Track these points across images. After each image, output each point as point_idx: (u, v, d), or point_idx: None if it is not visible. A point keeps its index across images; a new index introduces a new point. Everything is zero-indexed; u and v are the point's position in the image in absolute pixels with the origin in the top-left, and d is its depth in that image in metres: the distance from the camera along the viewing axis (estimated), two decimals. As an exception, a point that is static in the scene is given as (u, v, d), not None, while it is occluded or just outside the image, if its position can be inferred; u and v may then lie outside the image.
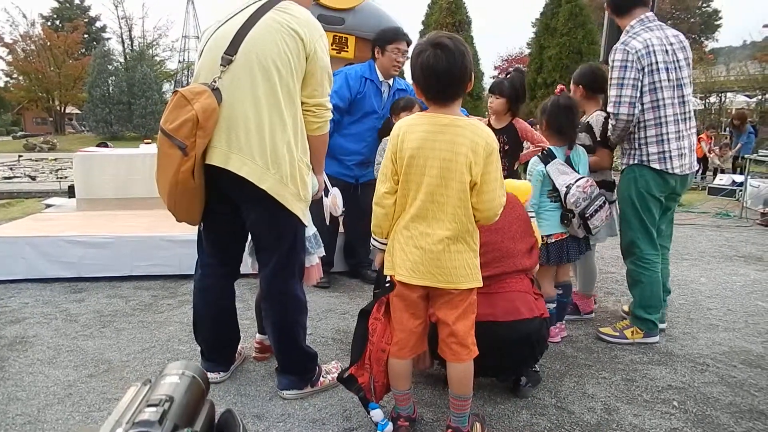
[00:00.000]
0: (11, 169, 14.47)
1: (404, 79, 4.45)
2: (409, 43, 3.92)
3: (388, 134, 3.65)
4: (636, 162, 2.97)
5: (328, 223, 2.89)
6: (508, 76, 3.55)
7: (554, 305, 2.97)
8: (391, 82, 4.01)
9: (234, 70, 2.15)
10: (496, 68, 29.02)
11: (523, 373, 2.48)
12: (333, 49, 4.41)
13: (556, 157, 2.94)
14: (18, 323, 3.25)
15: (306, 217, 2.34)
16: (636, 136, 2.95)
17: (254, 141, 2.14)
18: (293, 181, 2.22)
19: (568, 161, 2.97)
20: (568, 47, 14.97)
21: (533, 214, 2.76)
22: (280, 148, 2.17)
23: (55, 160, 17.12)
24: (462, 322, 1.98)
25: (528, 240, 2.48)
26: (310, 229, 2.46)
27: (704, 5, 36.59)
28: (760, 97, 22.19)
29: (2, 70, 36.14)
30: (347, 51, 4.47)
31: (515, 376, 2.47)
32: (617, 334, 3.11)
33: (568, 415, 2.32)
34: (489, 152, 1.89)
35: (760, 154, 9.65)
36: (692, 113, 2.97)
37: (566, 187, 2.85)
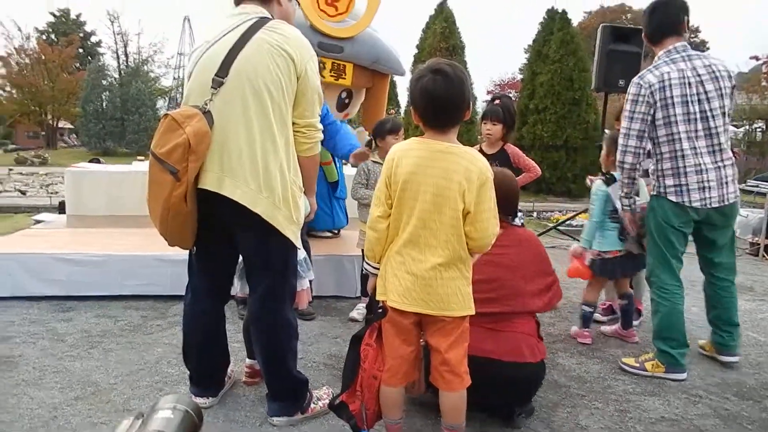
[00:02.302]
0: (1, 183, 14.35)
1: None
2: None
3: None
4: (655, 193, 3.04)
5: None
6: (497, 102, 3.62)
7: (590, 309, 3.47)
8: None
9: (225, 93, 2.13)
10: (488, 93, 29.32)
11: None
12: (331, 75, 4.48)
13: (616, 181, 3.24)
14: (3, 342, 3.19)
15: (298, 241, 2.33)
16: (655, 168, 3.03)
17: (247, 164, 2.13)
18: (286, 203, 2.21)
19: None
20: (560, 74, 15.17)
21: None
22: (272, 171, 2.16)
23: (47, 174, 17.01)
24: (454, 350, 1.97)
25: (543, 280, 2.48)
26: (301, 253, 2.45)
27: (692, 36, 37.35)
28: (747, 127, 22.54)
29: (-5, 83, 35.95)
30: (345, 78, 4.54)
31: (506, 410, 2.44)
32: (638, 365, 3.07)
33: (560, 446, 2.30)
34: (483, 182, 1.90)
35: (748, 183, 9.76)
36: (725, 144, 2.94)
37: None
